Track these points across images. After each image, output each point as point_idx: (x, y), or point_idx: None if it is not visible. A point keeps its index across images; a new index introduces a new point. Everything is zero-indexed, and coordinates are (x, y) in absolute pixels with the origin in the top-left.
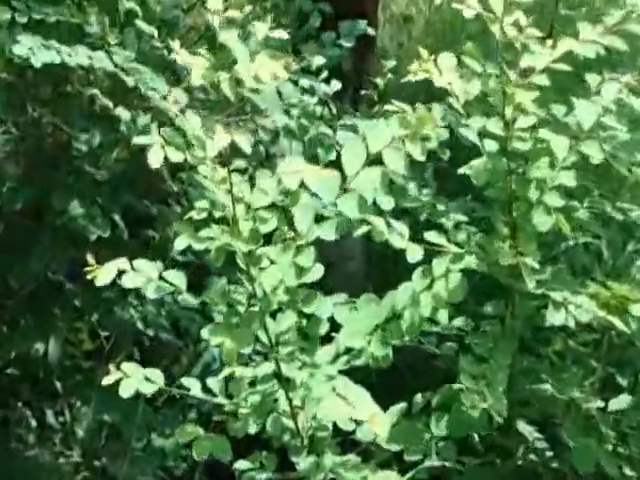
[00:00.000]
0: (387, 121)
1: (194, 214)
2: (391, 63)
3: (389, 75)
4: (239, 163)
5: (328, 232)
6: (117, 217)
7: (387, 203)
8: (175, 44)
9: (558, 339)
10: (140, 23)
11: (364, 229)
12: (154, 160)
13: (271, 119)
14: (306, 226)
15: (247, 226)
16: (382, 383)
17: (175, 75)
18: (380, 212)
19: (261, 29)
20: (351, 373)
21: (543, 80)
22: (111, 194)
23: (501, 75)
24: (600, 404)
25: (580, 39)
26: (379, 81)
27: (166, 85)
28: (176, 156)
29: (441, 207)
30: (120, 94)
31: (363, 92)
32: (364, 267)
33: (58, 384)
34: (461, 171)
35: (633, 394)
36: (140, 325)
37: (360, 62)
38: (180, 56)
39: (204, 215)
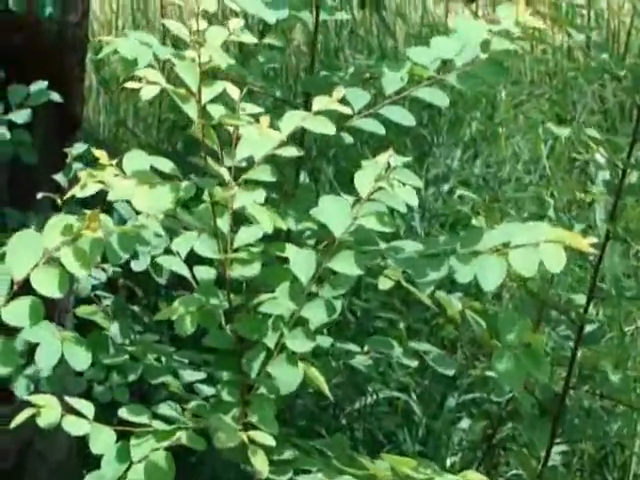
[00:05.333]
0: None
1: None
2: (79, 149)
3: (74, 170)
4: None
5: None
6: None
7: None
8: None
9: None
10: None
11: None
12: None
13: None
14: None
15: None
16: None
17: None
18: None
19: None
20: None
21: (266, 174)
22: None
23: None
24: None
25: (314, 110)
26: (61, 179)
27: None
28: None
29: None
30: None
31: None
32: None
33: None
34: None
35: None
36: None
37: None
38: None
39: None
